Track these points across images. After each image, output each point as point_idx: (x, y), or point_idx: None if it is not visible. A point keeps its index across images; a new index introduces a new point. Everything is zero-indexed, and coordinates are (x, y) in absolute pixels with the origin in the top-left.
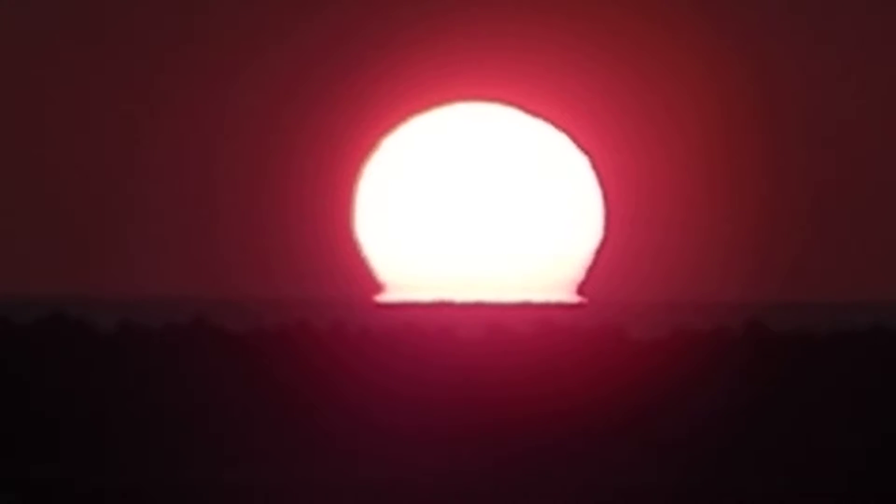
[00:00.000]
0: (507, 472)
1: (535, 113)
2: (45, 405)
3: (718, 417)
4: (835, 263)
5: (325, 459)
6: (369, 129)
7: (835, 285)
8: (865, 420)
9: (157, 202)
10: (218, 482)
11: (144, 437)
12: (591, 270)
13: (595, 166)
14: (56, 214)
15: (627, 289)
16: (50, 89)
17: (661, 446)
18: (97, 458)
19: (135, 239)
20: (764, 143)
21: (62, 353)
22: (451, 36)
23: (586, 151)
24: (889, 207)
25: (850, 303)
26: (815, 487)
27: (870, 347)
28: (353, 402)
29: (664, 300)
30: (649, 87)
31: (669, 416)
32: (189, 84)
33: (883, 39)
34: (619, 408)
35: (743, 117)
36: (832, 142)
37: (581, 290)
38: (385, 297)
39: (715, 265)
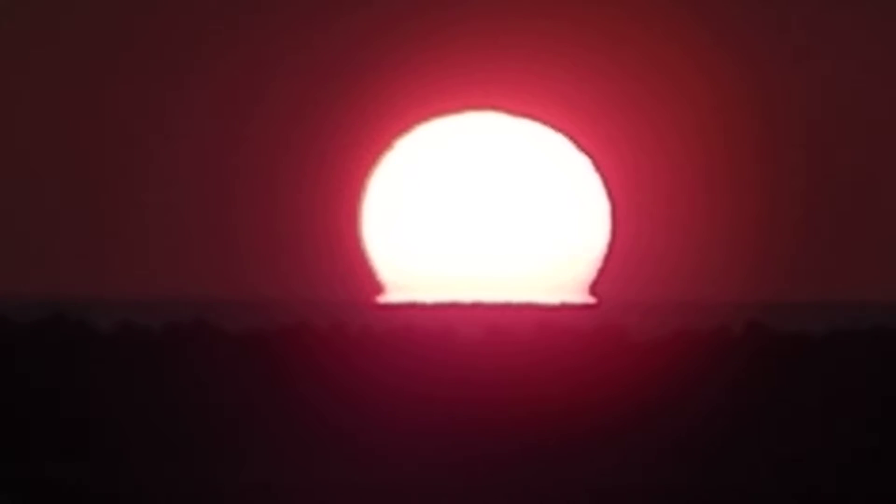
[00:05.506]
0: (509, 473)
1: (533, 115)
2: (45, 405)
3: (718, 417)
4: (835, 263)
5: (325, 459)
6: (380, 132)
7: (835, 285)
8: (865, 420)
9: (158, 202)
10: (218, 482)
11: (144, 438)
12: (595, 271)
13: (597, 167)
14: (56, 214)
15: (627, 289)
16: (51, 90)
17: (661, 446)
18: (97, 458)
19: (135, 239)
20: (763, 143)
21: (62, 353)
22: (462, 47)
23: (587, 153)
24: (888, 207)
25: (850, 303)
26: (814, 487)
27: (870, 347)
28: (353, 402)
29: (664, 301)
30: (649, 90)
31: (669, 416)
32: (192, 84)
33: (881, 40)
34: (619, 408)
35: (742, 117)
36: (831, 142)
37: (590, 290)
38: (387, 298)
39: (715, 265)
